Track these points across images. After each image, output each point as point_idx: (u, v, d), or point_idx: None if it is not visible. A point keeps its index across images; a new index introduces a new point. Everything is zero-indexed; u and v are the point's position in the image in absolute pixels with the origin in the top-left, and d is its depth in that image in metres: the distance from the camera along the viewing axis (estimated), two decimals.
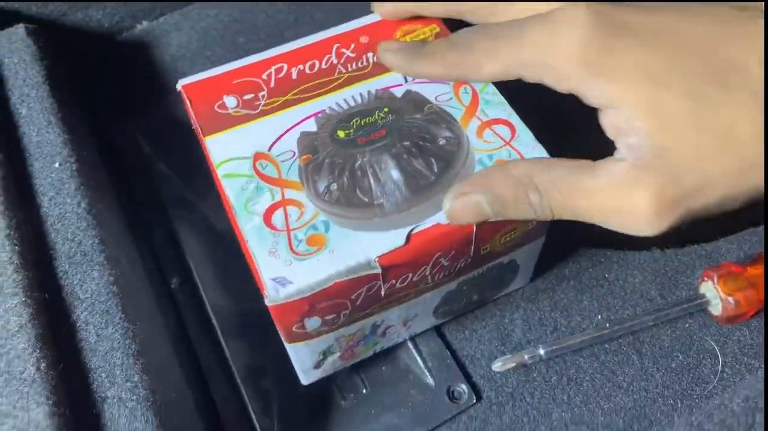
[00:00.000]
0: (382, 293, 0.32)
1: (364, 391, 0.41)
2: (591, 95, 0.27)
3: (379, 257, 0.30)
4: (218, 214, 0.49)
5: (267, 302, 0.29)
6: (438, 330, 0.42)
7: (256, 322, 0.44)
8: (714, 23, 0.26)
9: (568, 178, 0.27)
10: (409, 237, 0.30)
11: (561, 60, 0.27)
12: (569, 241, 0.44)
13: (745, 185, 0.25)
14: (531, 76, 0.28)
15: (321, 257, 0.30)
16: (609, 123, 0.27)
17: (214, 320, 0.44)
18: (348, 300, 0.31)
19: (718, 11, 0.26)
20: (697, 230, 0.48)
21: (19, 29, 0.47)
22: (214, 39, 0.58)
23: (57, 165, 0.41)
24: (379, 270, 0.30)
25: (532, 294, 0.43)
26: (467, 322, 0.43)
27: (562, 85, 0.28)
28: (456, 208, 0.30)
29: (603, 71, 0.26)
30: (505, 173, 0.29)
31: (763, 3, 0.26)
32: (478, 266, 0.36)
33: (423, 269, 0.32)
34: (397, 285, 0.32)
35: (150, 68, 0.57)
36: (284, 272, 0.30)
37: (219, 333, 0.43)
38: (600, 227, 0.28)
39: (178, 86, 0.36)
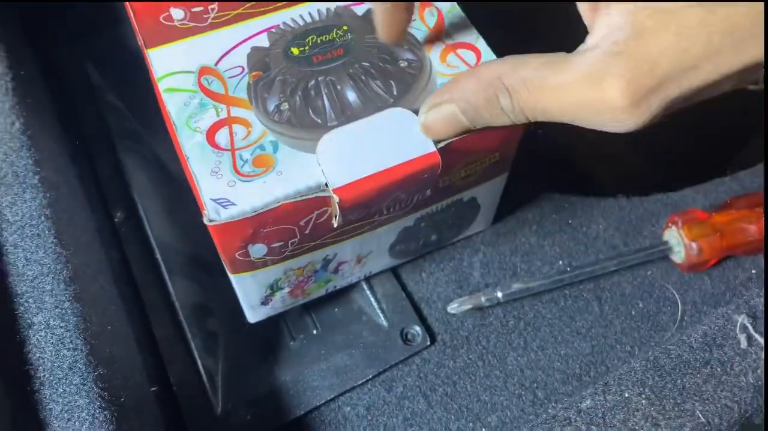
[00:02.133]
0: (334, 223, 0.30)
1: (315, 331, 0.39)
2: None
3: (335, 189, 0.28)
4: (167, 149, 0.46)
5: (206, 222, 0.27)
6: (394, 271, 0.41)
7: (203, 261, 0.42)
8: None
9: (536, 75, 0.24)
10: None
11: None
12: (533, 186, 0.43)
13: (737, 62, 0.22)
14: None
15: (268, 179, 0.28)
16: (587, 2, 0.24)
17: (158, 257, 0.42)
18: (296, 227, 0.29)
19: None
20: (664, 178, 0.47)
21: None
22: None
23: None
24: (330, 194, 0.28)
25: (492, 238, 0.42)
26: (425, 264, 0.41)
27: None
28: (431, 121, 0.27)
29: None
30: (475, 77, 0.26)
31: None
32: (436, 201, 0.34)
33: (380, 203, 0.30)
34: (351, 217, 0.31)
35: None
36: (227, 194, 0.27)
37: (163, 270, 0.41)
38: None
39: None
